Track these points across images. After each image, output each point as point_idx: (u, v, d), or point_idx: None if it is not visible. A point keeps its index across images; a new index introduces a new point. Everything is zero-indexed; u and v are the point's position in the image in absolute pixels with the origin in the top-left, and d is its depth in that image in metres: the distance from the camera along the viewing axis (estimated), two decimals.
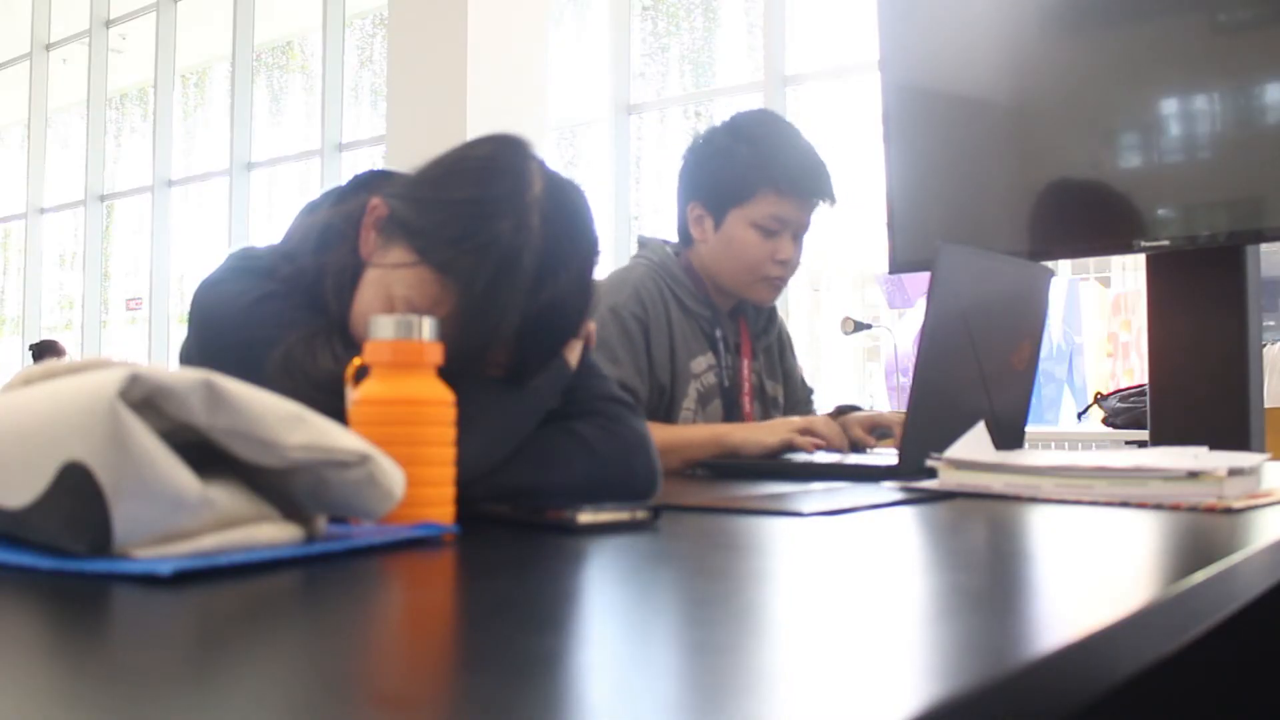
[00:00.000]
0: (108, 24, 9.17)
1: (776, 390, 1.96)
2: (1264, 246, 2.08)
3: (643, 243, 1.92)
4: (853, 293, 8.86)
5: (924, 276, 1.63)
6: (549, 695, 0.42)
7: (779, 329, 2.02)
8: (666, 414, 1.80)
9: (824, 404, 2.20)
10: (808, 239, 1.88)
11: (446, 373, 0.87)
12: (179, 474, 0.62)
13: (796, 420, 1.68)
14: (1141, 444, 3.38)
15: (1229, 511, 1.02)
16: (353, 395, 0.86)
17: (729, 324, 1.90)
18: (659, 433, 1.63)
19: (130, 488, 0.61)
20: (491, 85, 5.55)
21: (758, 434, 1.64)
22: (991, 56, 2.20)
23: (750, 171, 1.78)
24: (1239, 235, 1.97)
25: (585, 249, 1.05)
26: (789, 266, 1.83)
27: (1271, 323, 7.05)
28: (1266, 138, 1.91)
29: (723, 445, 1.65)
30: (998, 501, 1.12)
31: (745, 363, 1.91)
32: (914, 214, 2.28)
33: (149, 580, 0.60)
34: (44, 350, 7.50)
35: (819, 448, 1.64)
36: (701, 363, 1.84)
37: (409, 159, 1.08)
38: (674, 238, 1.94)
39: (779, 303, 2.05)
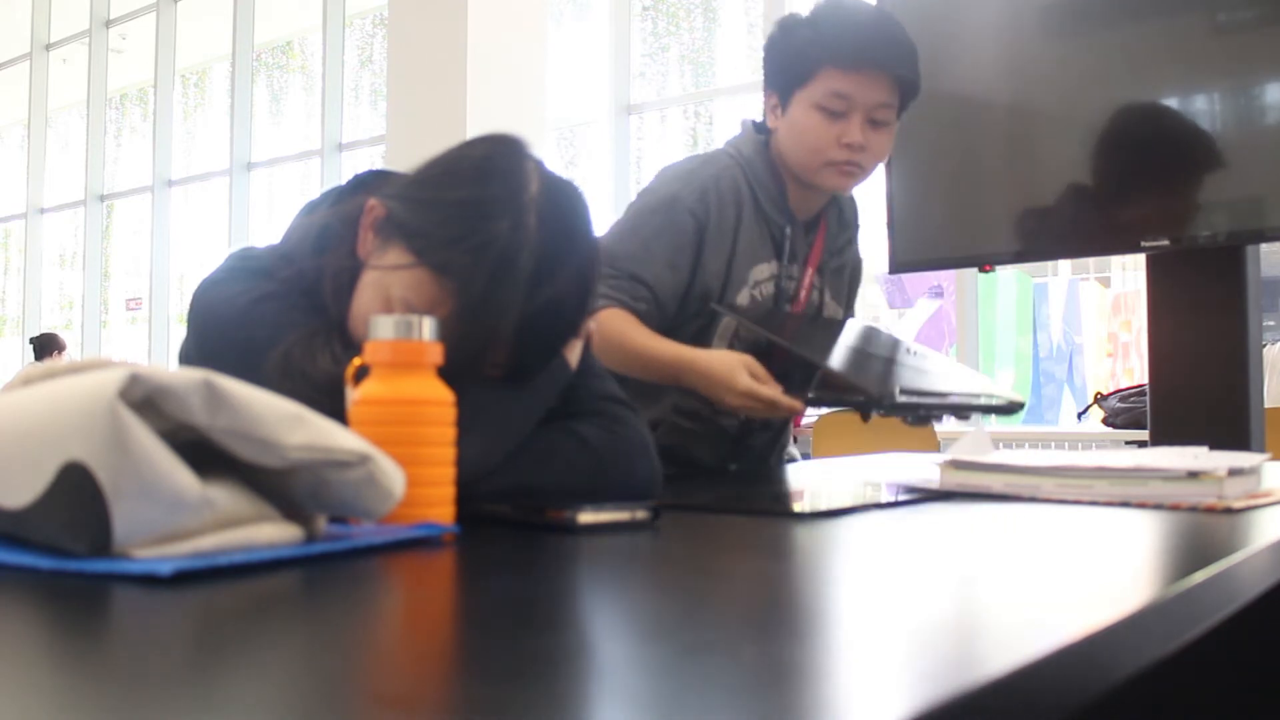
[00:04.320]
0: (108, 24, 9.17)
1: (837, 314, 1.88)
2: (1264, 246, 2.08)
3: (744, 126, 1.82)
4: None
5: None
6: (549, 695, 0.42)
7: (854, 257, 1.93)
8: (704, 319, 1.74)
9: None
10: (897, 128, 1.75)
11: (446, 373, 0.87)
12: (179, 474, 0.62)
13: (743, 387, 1.56)
14: (1141, 444, 3.39)
15: (1229, 511, 1.02)
16: (353, 395, 0.86)
17: (802, 234, 1.80)
18: (625, 332, 1.61)
19: (130, 488, 0.61)
20: (491, 85, 5.55)
21: (717, 391, 1.59)
22: (991, 57, 2.20)
23: (809, 49, 1.68)
24: (1239, 235, 1.97)
25: (583, 249, 1.05)
26: (859, 150, 1.69)
27: (1271, 323, 7.05)
28: (1266, 138, 1.91)
29: (680, 381, 1.62)
30: (998, 501, 1.12)
31: (809, 272, 1.81)
32: (914, 214, 2.28)
33: (149, 580, 0.60)
34: (45, 344, 7.52)
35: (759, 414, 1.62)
36: (764, 270, 1.76)
37: (409, 159, 1.08)
38: None
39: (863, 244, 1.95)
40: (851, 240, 1.90)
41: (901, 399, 1.46)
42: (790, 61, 1.71)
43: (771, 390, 1.55)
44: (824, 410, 1.76)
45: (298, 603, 0.62)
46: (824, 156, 1.69)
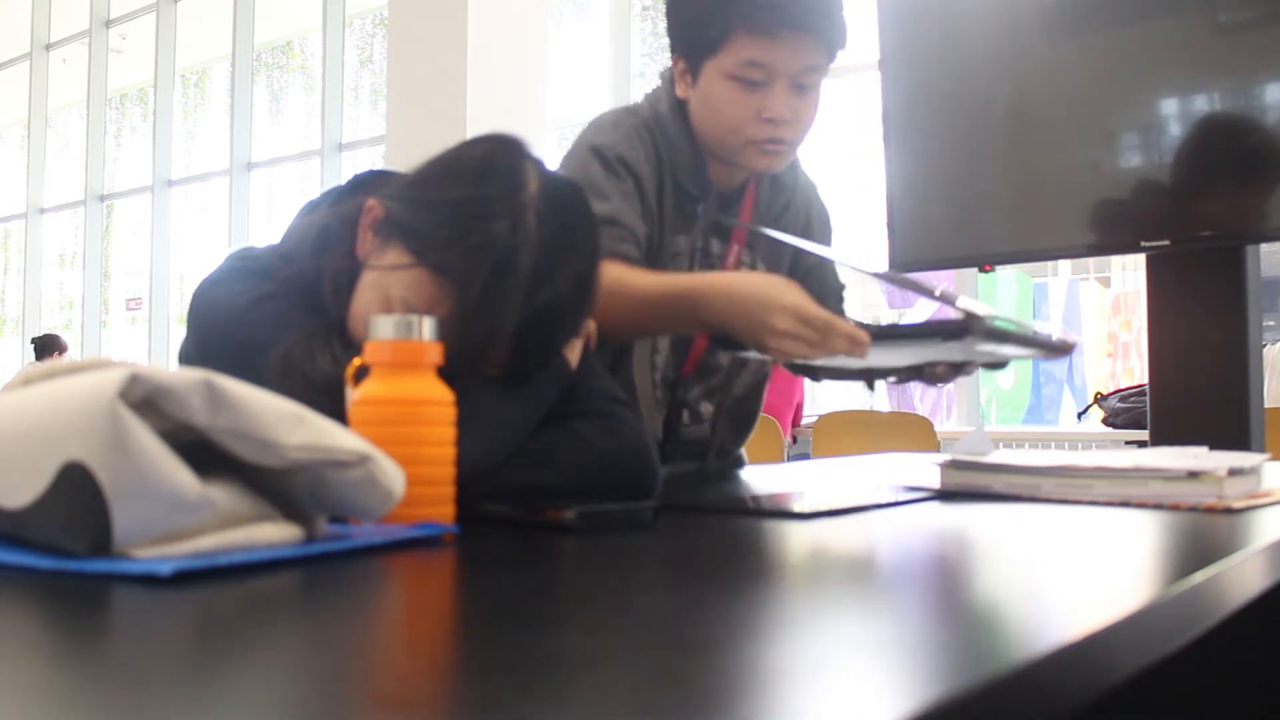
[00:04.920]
0: (108, 24, 9.18)
1: None
2: (1264, 246, 2.08)
3: (662, 79, 1.58)
4: (853, 293, 8.85)
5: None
6: (549, 695, 0.42)
7: (803, 216, 1.67)
8: None
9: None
10: (823, 90, 1.50)
11: (446, 373, 0.87)
12: (179, 474, 0.62)
13: (793, 302, 1.22)
14: (1141, 444, 3.39)
15: (1229, 511, 1.02)
16: (353, 395, 0.86)
17: (725, 206, 1.58)
18: (622, 279, 1.33)
19: (130, 488, 0.61)
20: (491, 85, 5.56)
21: (756, 313, 1.23)
22: (991, 57, 2.20)
23: (717, 10, 1.43)
24: (1239, 235, 1.97)
25: (583, 248, 1.05)
26: (784, 124, 1.46)
27: (1271, 323, 7.06)
28: (1267, 138, 1.91)
29: (698, 315, 1.30)
30: (998, 501, 1.12)
31: (733, 250, 1.57)
32: (914, 214, 2.28)
33: (149, 580, 0.60)
34: (46, 345, 7.53)
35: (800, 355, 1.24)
36: (682, 242, 1.53)
37: (409, 159, 1.08)
38: None
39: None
40: (790, 203, 1.66)
41: (997, 323, 1.18)
42: (696, 25, 1.47)
43: (827, 312, 1.21)
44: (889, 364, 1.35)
45: (298, 603, 0.62)
46: (743, 135, 1.46)
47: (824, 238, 1.70)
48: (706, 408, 1.65)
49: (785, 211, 1.65)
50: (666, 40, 1.55)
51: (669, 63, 1.55)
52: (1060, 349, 1.30)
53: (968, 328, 1.18)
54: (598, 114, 1.58)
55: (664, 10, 1.55)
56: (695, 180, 1.53)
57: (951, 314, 1.19)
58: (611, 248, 1.39)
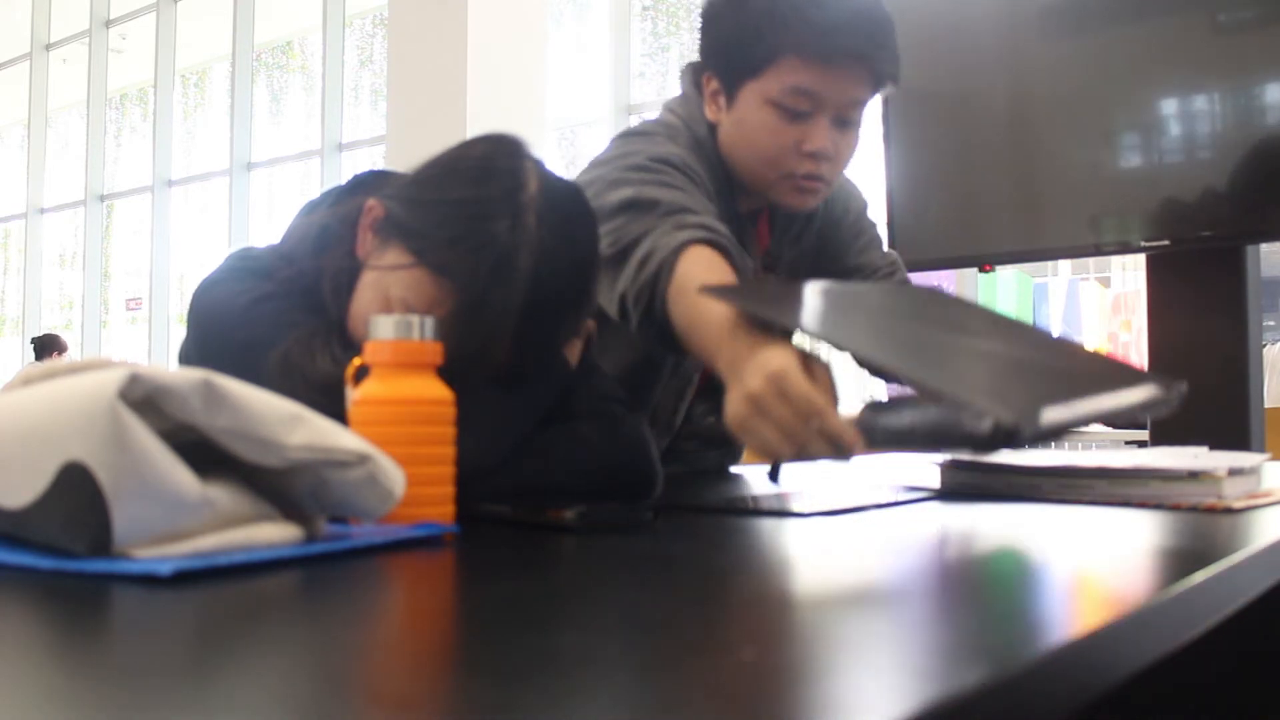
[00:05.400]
0: (108, 24, 9.18)
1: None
2: (1264, 246, 2.08)
3: (684, 87, 1.48)
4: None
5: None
6: (549, 695, 0.42)
7: (832, 229, 1.57)
8: None
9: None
10: (864, 127, 1.40)
11: (446, 373, 0.87)
12: (179, 474, 0.62)
13: (777, 366, 0.93)
14: (1141, 444, 3.39)
15: (1229, 511, 1.02)
16: (353, 395, 0.86)
17: (747, 229, 1.49)
18: (706, 280, 1.10)
19: (130, 488, 0.61)
20: (491, 85, 5.56)
21: (742, 369, 0.96)
22: (991, 57, 2.20)
23: (765, 29, 1.31)
24: (1239, 235, 1.97)
25: (583, 248, 1.05)
26: (824, 161, 1.36)
27: (1271, 323, 7.06)
28: (1266, 138, 1.91)
29: (719, 354, 1.04)
30: (998, 501, 1.12)
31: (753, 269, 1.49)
32: (914, 214, 2.28)
33: (149, 580, 0.60)
34: (46, 344, 7.54)
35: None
36: None
37: (409, 159, 1.08)
38: None
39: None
40: (812, 218, 1.56)
41: (1046, 422, 0.82)
42: (740, 42, 1.35)
43: (822, 397, 0.92)
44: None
45: (298, 603, 0.62)
46: (781, 167, 1.37)
47: (847, 248, 1.62)
48: (710, 420, 1.62)
49: (808, 225, 1.57)
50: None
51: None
52: (1155, 406, 0.94)
53: (1012, 435, 0.90)
54: (626, 128, 1.47)
55: (699, 23, 1.43)
56: (725, 203, 1.41)
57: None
58: (714, 238, 1.19)
